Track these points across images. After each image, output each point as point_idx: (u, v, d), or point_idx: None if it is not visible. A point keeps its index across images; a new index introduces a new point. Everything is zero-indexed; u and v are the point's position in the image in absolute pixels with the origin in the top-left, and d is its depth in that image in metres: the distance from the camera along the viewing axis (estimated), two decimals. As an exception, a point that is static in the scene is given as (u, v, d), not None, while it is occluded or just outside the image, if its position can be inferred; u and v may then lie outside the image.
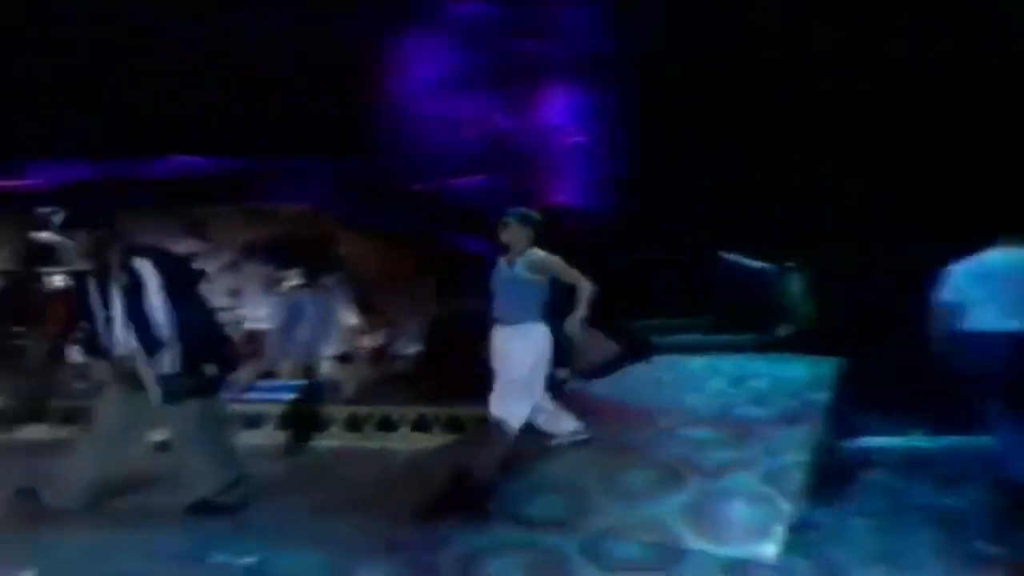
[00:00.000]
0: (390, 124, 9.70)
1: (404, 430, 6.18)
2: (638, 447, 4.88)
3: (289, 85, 8.84)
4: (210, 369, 4.12)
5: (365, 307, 9.24)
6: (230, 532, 3.84)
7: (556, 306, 4.53)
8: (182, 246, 8.18)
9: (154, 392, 3.98)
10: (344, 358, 8.88)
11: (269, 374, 7.38)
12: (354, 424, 6.20)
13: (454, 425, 6.16)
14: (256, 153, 9.35)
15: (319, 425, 6.08)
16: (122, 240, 4.08)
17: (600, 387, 6.38)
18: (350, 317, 9.05)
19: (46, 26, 7.42)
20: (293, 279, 6.81)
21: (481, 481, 4.27)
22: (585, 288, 4.44)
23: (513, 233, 4.48)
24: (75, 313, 7.15)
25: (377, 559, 3.57)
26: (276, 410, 6.17)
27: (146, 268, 3.97)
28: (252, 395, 6.34)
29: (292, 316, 6.81)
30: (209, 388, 4.17)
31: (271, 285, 7.73)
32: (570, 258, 8.75)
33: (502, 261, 4.56)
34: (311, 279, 6.70)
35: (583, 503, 4.11)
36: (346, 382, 7.98)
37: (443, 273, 9.29)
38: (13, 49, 7.30)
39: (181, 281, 4.11)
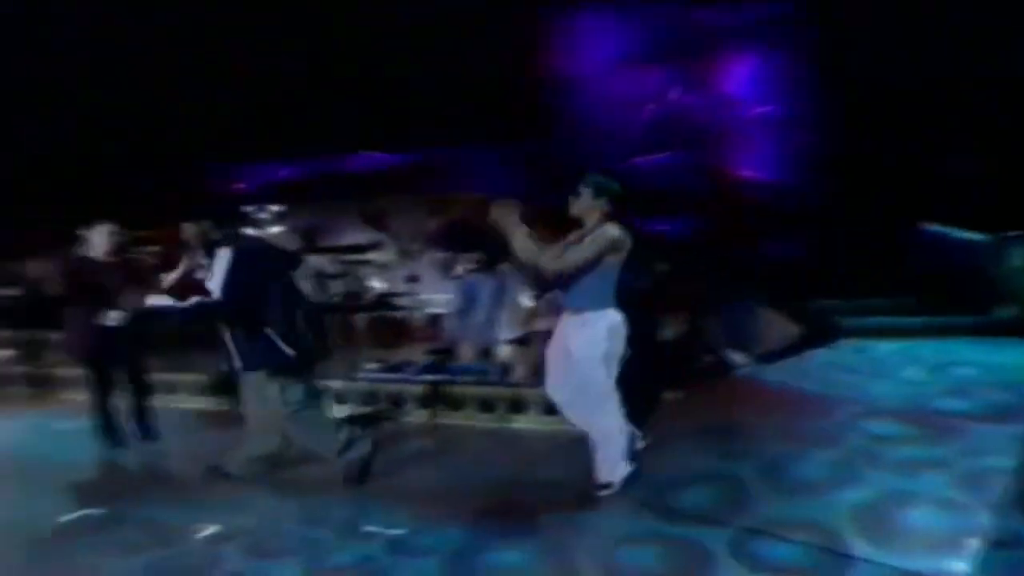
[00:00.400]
0: (566, 105, 9.64)
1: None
2: (810, 438, 4.46)
3: (463, 71, 9.07)
4: (289, 345, 4.28)
5: (539, 290, 9.29)
6: (391, 505, 4.02)
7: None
8: (365, 235, 8.77)
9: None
10: (521, 341, 9.02)
11: (450, 356, 7.67)
12: (518, 406, 6.24)
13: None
14: (435, 144, 9.73)
15: (483, 406, 6.21)
16: (221, 231, 4.45)
17: (776, 372, 5.91)
18: (527, 300, 9.15)
19: (250, 39, 8.23)
20: (469, 264, 6.98)
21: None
22: (555, 258, 3.77)
23: (585, 205, 3.88)
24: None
25: (520, 540, 3.57)
26: (451, 391, 6.35)
27: (222, 254, 4.26)
28: (423, 376, 6.59)
29: (468, 300, 7.00)
30: (294, 365, 4.34)
31: (448, 270, 8.01)
32: (758, 234, 8.25)
33: (572, 239, 3.95)
34: (487, 263, 6.84)
35: (738, 496, 3.82)
36: (520, 365, 8.09)
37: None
38: (221, 64, 8.19)
39: (261, 267, 4.34)
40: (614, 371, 3.90)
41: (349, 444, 4.39)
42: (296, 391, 4.33)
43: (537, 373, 7.65)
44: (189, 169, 8.69)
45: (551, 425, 5.99)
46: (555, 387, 4.08)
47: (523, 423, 6.05)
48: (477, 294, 6.82)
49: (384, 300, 8.54)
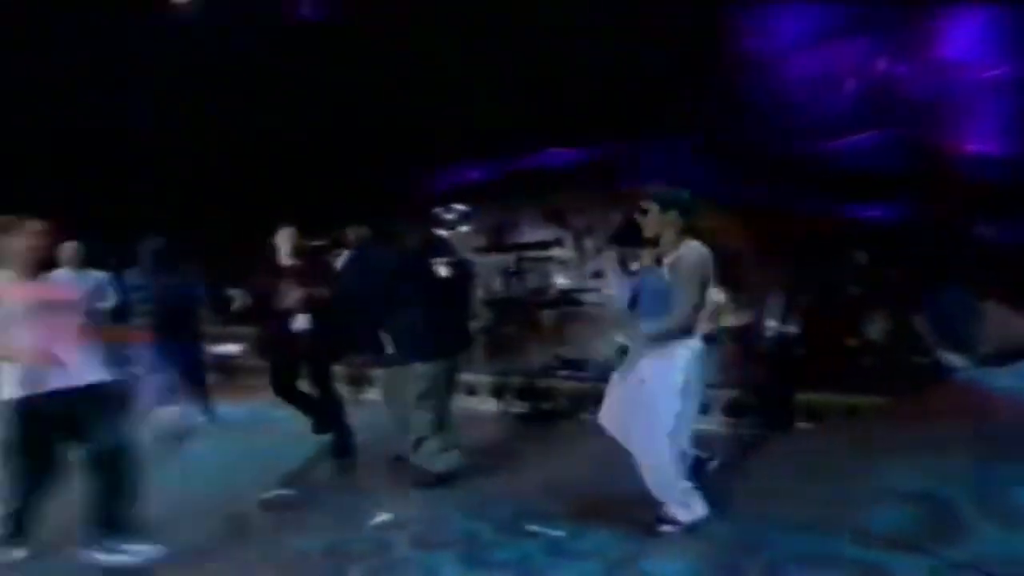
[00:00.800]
0: (756, 87, 9.05)
1: (754, 416, 5.72)
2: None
3: (644, 60, 8.80)
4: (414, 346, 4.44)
5: (729, 284, 8.83)
6: (556, 505, 3.98)
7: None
8: (547, 232, 8.82)
9: None
10: (708, 339, 8.59)
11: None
12: (701, 408, 5.92)
13: (812, 414, 5.51)
14: (619, 137, 9.56)
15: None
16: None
17: (1006, 378, 5.07)
18: (715, 295, 8.71)
19: (436, 40, 8.57)
20: (645, 258, 6.78)
21: None
22: (674, 314, 3.41)
23: (656, 222, 3.52)
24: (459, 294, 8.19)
25: (683, 553, 3.37)
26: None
27: (346, 255, 4.75)
28: (600, 374, 6.46)
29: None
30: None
31: (627, 266, 7.84)
32: (984, 216, 7.19)
33: (645, 259, 3.68)
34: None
35: (946, 521, 3.31)
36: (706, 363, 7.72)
37: (822, 245, 8.42)
38: (408, 66, 8.58)
39: (378, 274, 4.55)
40: (690, 407, 3.53)
41: (436, 454, 4.43)
42: (408, 391, 4.43)
43: (723, 373, 7.29)
44: (381, 172, 9.25)
45: (732, 427, 5.65)
46: (611, 415, 3.78)
47: (703, 425, 5.75)
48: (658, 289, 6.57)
49: (567, 296, 8.54)
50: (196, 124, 9.46)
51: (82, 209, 7.24)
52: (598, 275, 8.57)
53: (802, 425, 5.41)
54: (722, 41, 8.80)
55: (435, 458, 4.43)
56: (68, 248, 6.35)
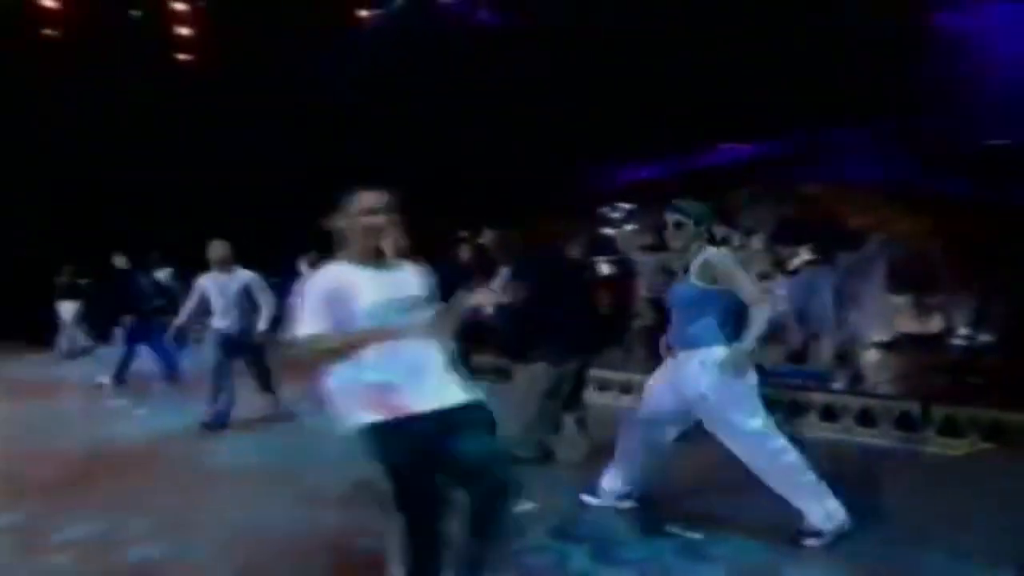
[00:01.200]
0: (950, 70, 8.26)
1: (929, 432, 5.23)
2: None
3: (825, 54, 8.33)
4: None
5: (914, 287, 8.16)
6: (702, 508, 3.93)
7: None
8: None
9: None
10: (889, 345, 8.02)
11: (799, 358, 7.15)
12: (867, 418, 5.53)
13: (1002, 433, 4.95)
14: (798, 130, 9.14)
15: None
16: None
17: None
18: (889, 298, 8.09)
19: (604, 39, 8.59)
20: (804, 256, 6.49)
21: None
22: (756, 314, 3.31)
23: (690, 235, 3.54)
24: (621, 293, 8.21)
25: (822, 567, 3.22)
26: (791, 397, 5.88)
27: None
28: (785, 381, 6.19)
29: (805, 296, 6.53)
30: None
31: (785, 265, 7.54)
32: None
33: (677, 266, 3.73)
34: (823, 255, 6.28)
35: None
36: (880, 371, 7.20)
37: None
38: (575, 67, 8.69)
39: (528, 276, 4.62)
40: (759, 406, 3.47)
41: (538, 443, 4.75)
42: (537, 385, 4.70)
43: (896, 382, 6.75)
44: (554, 170, 9.41)
45: (903, 442, 5.22)
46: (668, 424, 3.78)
47: (870, 437, 5.38)
48: (815, 289, 6.28)
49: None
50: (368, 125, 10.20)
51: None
52: (764, 276, 8.23)
53: (987, 445, 4.88)
54: (919, 18, 8.13)
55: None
56: (217, 248, 6.02)
